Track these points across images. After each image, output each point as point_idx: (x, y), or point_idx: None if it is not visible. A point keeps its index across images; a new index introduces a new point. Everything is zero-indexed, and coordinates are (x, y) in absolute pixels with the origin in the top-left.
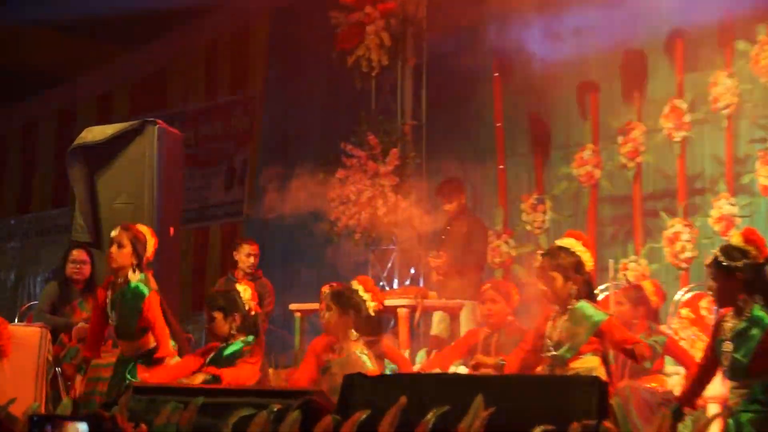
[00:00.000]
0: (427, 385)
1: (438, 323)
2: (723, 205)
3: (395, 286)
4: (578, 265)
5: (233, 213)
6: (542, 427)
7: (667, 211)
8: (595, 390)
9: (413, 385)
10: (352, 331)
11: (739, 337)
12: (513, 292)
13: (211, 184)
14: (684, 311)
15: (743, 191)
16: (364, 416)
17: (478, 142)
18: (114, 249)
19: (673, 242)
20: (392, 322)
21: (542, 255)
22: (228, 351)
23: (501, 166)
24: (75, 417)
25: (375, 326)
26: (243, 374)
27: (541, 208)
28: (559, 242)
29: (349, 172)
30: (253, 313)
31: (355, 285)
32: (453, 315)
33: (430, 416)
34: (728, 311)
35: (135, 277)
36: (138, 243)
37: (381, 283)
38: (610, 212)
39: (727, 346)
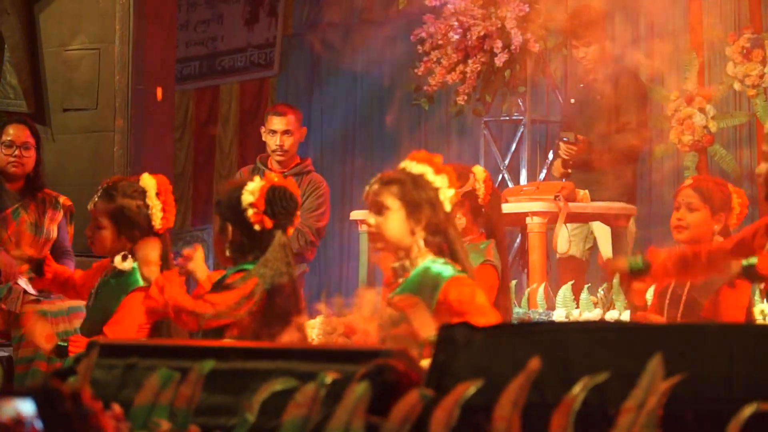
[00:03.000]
0: (573, 339)
1: (573, 238)
2: None
3: (523, 179)
4: None
5: (259, 64)
6: (755, 405)
7: None
8: None
9: (551, 340)
10: (420, 241)
11: None
12: (721, 193)
13: (223, 16)
14: None
15: None
16: (471, 391)
17: None
18: (90, 230)
19: None
20: (517, 241)
21: None
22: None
23: None
24: (12, 391)
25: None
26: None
27: (757, 55)
28: None
29: None
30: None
31: (416, 166)
32: (617, 232)
33: (579, 389)
34: None
35: (125, 266)
36: (124, 220)
37: (500, 176)
38: None
39: None
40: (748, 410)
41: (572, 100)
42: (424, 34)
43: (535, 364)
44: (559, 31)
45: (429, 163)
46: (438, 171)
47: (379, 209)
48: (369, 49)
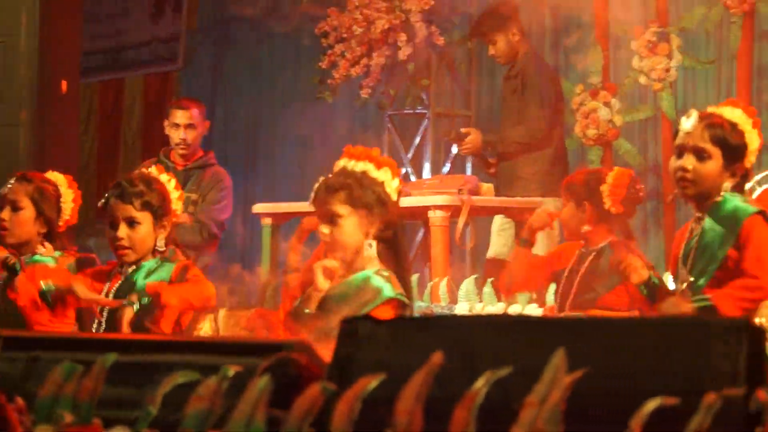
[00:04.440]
0: (476, 333)
1: (498, 237)
2: None
3: (426, 173)
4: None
5: (164, 58)
6: (658, 400)
7: None
8: (743, 340)
9: (455, 334)
10: (370, 242)
11: None
12: (621, 180)
13: (128, 9)
14: None
15: None
16: (373, 384)
17: None
18: (6, 213)
19: None
20: (419, 234)
21: (701, 118)
22: (142, 276)
23: None
24: None
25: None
26: (198, 291)
27: (663, 49)
28: (717, 109)
29: None
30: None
31: (356, 164)
32: (522, 226)
33: (481, 383)
34: None
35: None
36: (44, 200)
37: (404, 169)
38: None
39: None
40: (651, 405)
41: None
42: (327, 28)
43: (437, 358)
44: (465, 23)
45: (369, 158)
46: (380, 165)
47: (330, 218)
48: (274, 43)
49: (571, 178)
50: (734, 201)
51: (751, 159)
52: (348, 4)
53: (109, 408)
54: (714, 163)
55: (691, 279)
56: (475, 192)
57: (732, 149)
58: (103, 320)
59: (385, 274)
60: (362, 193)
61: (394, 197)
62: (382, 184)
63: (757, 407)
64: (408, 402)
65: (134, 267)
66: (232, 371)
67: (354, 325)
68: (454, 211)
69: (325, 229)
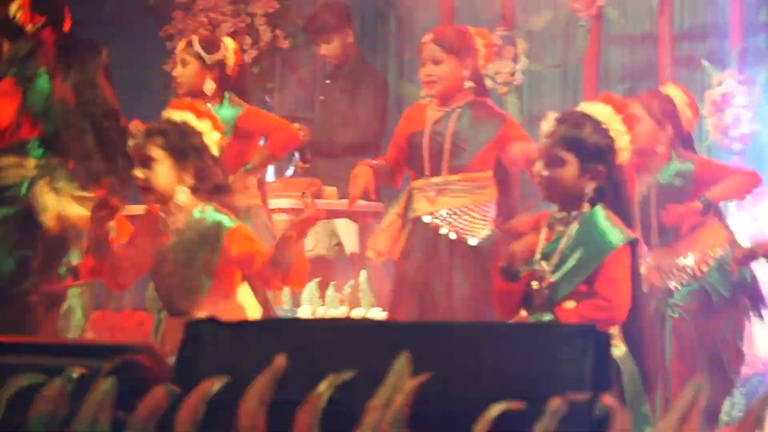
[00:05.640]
0: (319, 336)
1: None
2: None
3: (270, 176)
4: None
5: None
6: (503, 405)
7: (713, 59)
8: (588, 345)
9: (298, 337)
10: (184, 188)
11: None
12: (462, 39)
13: None
14: None
15: None
16: (216, 387)
17: None
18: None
19: (721, 109)
20: None
21: (559, 121)
22: None
23: None
24: None
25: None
26: None
27: (509, 52)
28: (587, 108)
29: None
30: None
31: (177, 113)
32: (364, 228)
33: (324, 386)
34: None
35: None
36: None
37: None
38: (621, 60)
39: None
40: (496, 409)
41: (321, 97)
42: (173, 31)
43: (280, 361)
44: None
45: (190, 109)
46: (200, 115)
47: (145, 162)
48: (118, 46)
49: (444, 35)
50: (603, 222)
51: (623, 156)
52: (193, 7)
53: None
54: (569, 169)
55: (552, 280)
56: (318, 195)
57: (590, 152)
58: None
59: (211, 207)
60: (178, 141)
61: (214, 150)
62: (200, 134)
63: (602, 412)
64: (251, 405)
65: None
66: (76, 373)
67: (197, 327)
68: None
69: (139, 173)
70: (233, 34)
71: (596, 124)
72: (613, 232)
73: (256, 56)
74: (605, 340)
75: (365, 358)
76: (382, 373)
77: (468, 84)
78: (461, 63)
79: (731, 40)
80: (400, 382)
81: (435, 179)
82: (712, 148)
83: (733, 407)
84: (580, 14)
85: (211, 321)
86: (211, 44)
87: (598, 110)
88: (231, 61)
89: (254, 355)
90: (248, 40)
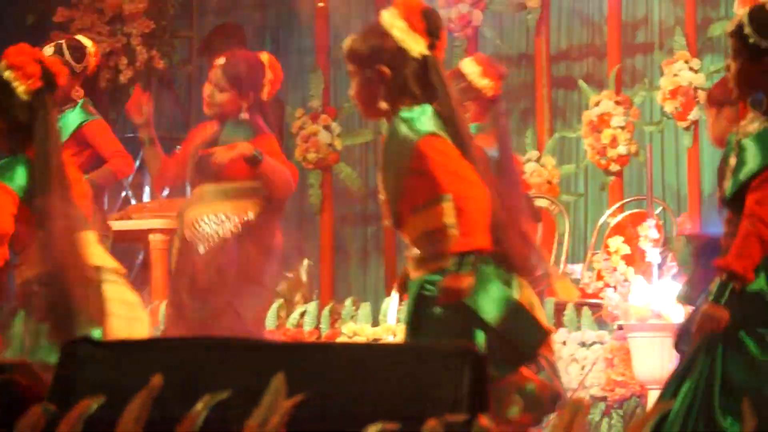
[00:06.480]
0: (197, 355)
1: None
2: (680, 71)
3: (146, 197)
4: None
5: None
6: (378, 426)
7: (589, 79)
8: (465, 366)
9: (175, 356)
10: None
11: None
12: (249, 72)
13: None
14: (614, 242)
15: (713, 49)
16: (93, 406)
17: None
18: None
19: (599, 129)
20: (139, 257)
21: None
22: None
23: (321, 4)
24: None
25: None
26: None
27: None
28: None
29: None
30: None
31: None
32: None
33: (201, 406)
34: None
35: None
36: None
37: (124, 193)
38: None
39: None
40: (371, 430)
41: None
42: None
43: (157, 380)
44: (185, 47)
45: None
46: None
47: None
48: None
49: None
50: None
51: None
52: (71, 26)
53: None
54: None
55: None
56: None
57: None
58: None
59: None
60: None
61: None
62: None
63: None
64: (128, 424)
65: None
66: None
67: (73, 347)
68: (173, 234)
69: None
70: (109, 55)
71: None
72: None
73: (132, 76)
74: (482, 361)
75: (241, 378)
76: (258, 393)
77: (243, 115)
78: (242, 96)
79: (608, 61)
80: (276, 402)
81: None
82: (590, 169)
83: (611, 429)
84: (456, 34)
85: (88, 340)
86: (78, 50)
87: None
88: (92, 62)
89: (132, 374)
90: (124, 60)
